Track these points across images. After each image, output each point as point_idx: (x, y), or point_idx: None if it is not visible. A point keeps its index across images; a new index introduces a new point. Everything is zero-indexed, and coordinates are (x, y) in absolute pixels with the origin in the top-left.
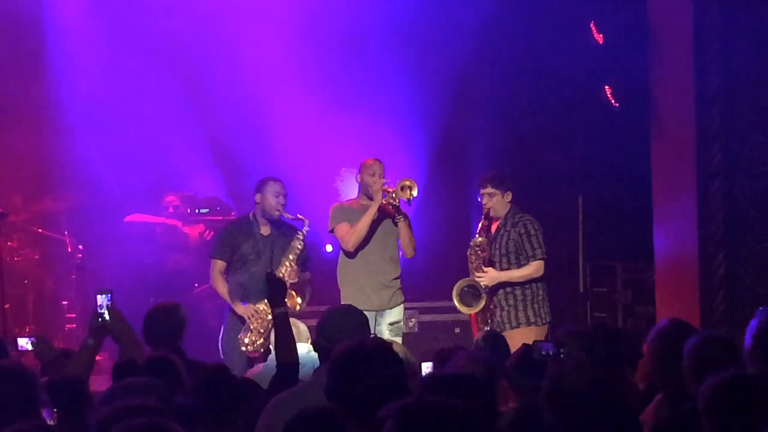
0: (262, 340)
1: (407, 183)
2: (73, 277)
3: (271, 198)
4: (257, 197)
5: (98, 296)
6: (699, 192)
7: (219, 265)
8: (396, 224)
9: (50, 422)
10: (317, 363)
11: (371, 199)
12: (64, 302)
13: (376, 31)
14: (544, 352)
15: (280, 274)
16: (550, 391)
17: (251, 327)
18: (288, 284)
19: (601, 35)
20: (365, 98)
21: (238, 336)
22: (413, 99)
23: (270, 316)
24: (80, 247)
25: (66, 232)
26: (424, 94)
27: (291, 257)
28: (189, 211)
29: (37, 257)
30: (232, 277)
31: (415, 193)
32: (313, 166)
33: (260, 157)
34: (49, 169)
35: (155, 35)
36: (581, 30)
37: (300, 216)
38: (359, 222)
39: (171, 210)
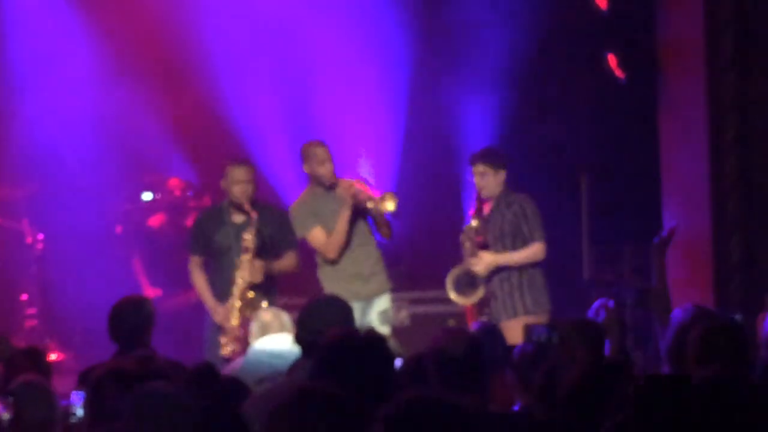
0: (237, 343)
1: (388, 197)
2: (34, 269)
3: (232, 186)
4: (222, 183)
5: None
6: (712, 169)
7: (195, 260)
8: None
9: (5, 414)
10: None
11: (326, 188)
12: (24, 297)
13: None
14: (535, 337)
15: (240, 278)
16: (543, 386)
17: (226, 329)
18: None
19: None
20: (346, 71)
21: (219, 337)
22: (398, 70)
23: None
24: (40, 236)
25: (25, 221)
26: (411, 64)
27: (245, 258)
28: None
29: None
30: (211, 271)
31: (390, 207)
32: (294, 147)
33: (240, 137)
34: (5, 152)
35: (123, 4)
36: None
37: (248, 209)
38: (336, 231)
39: (177, 194)
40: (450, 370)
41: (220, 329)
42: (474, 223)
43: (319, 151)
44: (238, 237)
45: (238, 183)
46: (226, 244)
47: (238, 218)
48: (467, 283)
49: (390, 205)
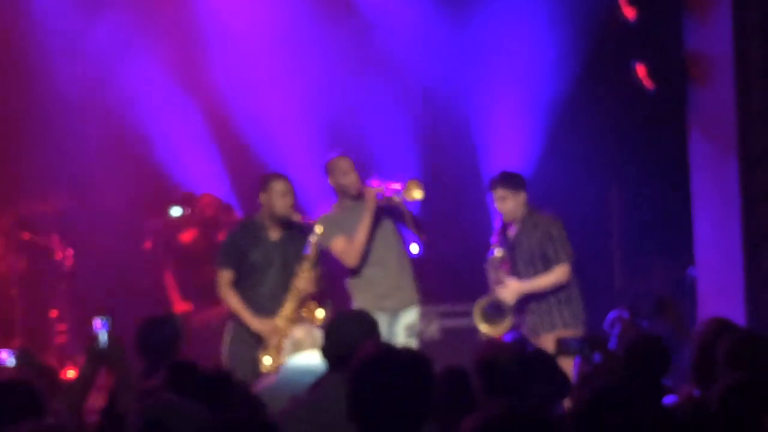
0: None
1: (412, 184)
2: (64, 285)
3: (278, 198)
4: (262, 197)
5: (96, 320)
6: (742, 179)
7: (227, 275)
8: (399, 216)
9: None
10: None
11: (353, 198)
12: (54, 313)
13: (388, 14)
14: (566, 350)
15: (299, 286)
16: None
17: (269, 344)
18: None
19: (633, 9)
20: (376, 86)
21: (257, 354)
22: (426, 85)
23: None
24: (70, 252)
25: (56, 237)
26: (438, 81)
27: (306, 266)
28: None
29: (23, 265)
30: (242, 288)
31: (417, 195)
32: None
33: (270, 152)
34: (36, 168)
35: (153, 26)
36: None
37: (310, 220)
38: (356, 237)
39: (209, 210)
40: (499, 380)
41: (254, 346)
42: (498, 253)
43: (342, 163)
44: (274, 253)
45: (283, 195)
46: (263, 261)
47: (274, 234)
48: (495, 312)
49: (417, 193)
